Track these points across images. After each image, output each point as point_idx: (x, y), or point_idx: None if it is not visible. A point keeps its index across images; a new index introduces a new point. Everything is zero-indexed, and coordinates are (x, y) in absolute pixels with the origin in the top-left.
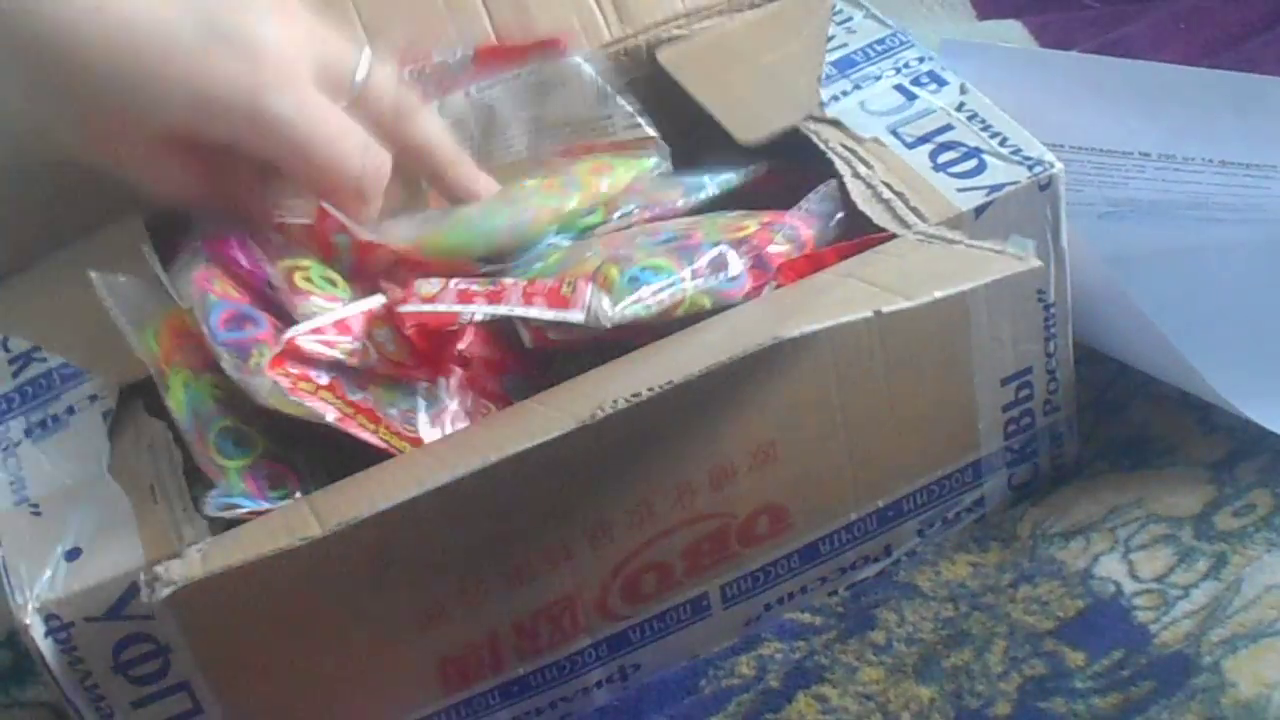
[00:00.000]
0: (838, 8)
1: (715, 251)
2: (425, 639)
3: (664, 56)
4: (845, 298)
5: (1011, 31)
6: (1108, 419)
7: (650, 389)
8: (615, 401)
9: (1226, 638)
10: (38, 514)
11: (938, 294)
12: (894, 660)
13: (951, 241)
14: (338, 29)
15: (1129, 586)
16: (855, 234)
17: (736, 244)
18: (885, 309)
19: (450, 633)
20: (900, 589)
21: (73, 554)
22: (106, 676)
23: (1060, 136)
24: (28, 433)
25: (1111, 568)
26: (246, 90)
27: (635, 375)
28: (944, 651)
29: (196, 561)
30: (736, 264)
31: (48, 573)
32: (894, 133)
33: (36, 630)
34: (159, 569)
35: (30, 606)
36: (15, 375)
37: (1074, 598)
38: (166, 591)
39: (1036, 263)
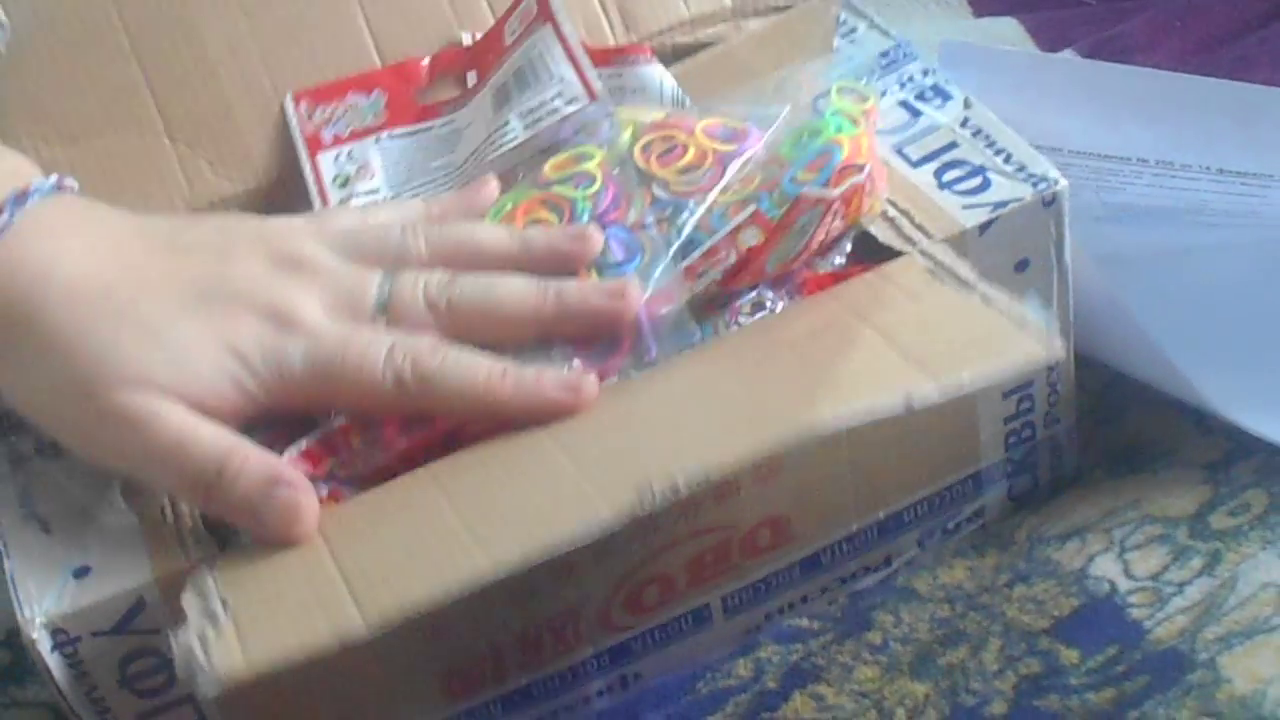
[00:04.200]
0: (841, 18)
1: (753, 295)
2: (429, 651)
3: (673, 75)
4: (871, 371)
5: (1007, 29)
6: (1105, 427)
7: (688, 485)
8: (654, 493)
9: (1222, 635)
10: (47, 531)
11: (965, 386)
12: (890, 659)
13: (965, 284)
14: (360, 258)
15: (1123, 585)
16: (860, 249)
17: (776, 284)
18: (916, 402)
19: (454, 645)
20: (898, 592)
21: (81, 572)
22: (113, 690)
23: (1058, 140)
24: (39, 450)
25: (1106, 567)
26: (255, 345)
27: (664, 441)
28: (940, 650)
29: (233, 640)
30: (777, 306)
31: (55, 588)
32: (899, 152)
33: (43, 644)
34: (193, 641)
35: (37, 621)
36: None
37: (1069, 596)
38: (214, 692)
39: (1062, 354)
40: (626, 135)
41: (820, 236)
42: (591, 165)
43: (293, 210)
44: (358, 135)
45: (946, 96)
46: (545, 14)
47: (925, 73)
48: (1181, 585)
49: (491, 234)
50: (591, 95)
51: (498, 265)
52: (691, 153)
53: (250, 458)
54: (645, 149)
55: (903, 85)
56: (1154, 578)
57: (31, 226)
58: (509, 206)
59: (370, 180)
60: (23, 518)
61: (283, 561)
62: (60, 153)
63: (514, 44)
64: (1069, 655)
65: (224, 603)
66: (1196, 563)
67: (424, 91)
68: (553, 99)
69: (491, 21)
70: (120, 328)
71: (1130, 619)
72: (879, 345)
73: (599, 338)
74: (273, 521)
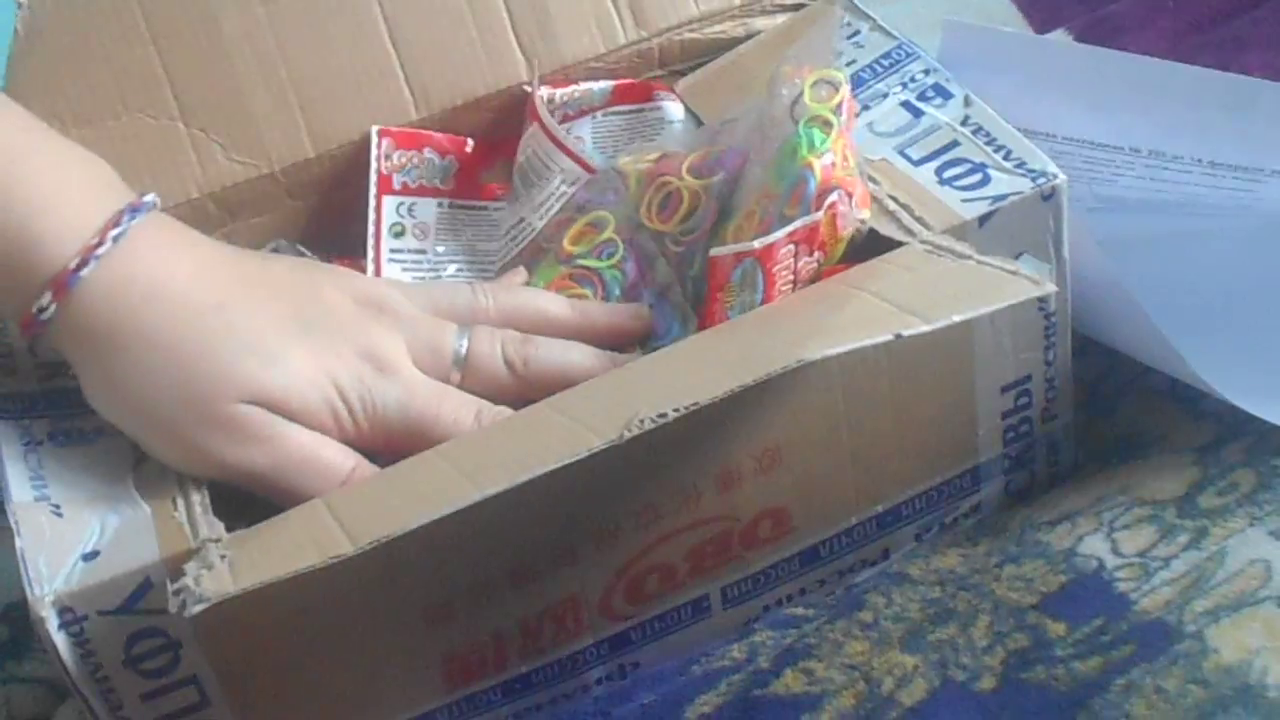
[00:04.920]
0: (845, 20)
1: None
2: (431, 637)
3: (681, 88)
4: (862, 316)
5: (999, 7)
6: (1098, 419)
7: (676, 409)
8: (641, 421)
9: (1210, 608)
10: (59, 515)
11: (955, 318)
12: (880, 634)
13: (961, 255)
14: (433, 311)
15: (1111, 561)
16: (863, 245)
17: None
18: (906, 333)
19: (456, 631)
20: (890, 577)
21: (90, 556)
22: (117, 669)
23: (1053, 126)
24: (51, 436)
25: (1095, 546)
26: (354, 383)
27: (656, 388)
28: (930, 627)
29: (225, 574)
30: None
31: (65, 570)
32: (901, 153)
33: (51, 622)
34: (188, 580)
35: (46, 599)
36: (41, 381)
37: (1057, 574)
38: (199, 607)
39: (1052, 288)
40: (633, 187)
41: (784, 276)
42: (610, 232)
43: (310, 198)
44: (425, 192)
45: (947, 95)
46: (533, 114)
47: (927, 71)
48: (1168, 559)
49: (555, 301)
50: (590, 171)
51: (560, 332)
52: (686, 198)
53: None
54: (649, 208)
55: (905, 86)
56: (1141, 554)
57: (142, 239)
58: (539, 285)
59: (422, 240)
60: (35, 500)
61: (282, 524)
62: (76, 134)
63: (520, 159)
64: (1056, 628)
65: (222, 557)
66: (1183, 538)
67: (484, 173)
68: (557, 185)
69: (509, 28)
70: (237, 343)
71: (1117, 592)
72: (872, 301)
73: None
74: None
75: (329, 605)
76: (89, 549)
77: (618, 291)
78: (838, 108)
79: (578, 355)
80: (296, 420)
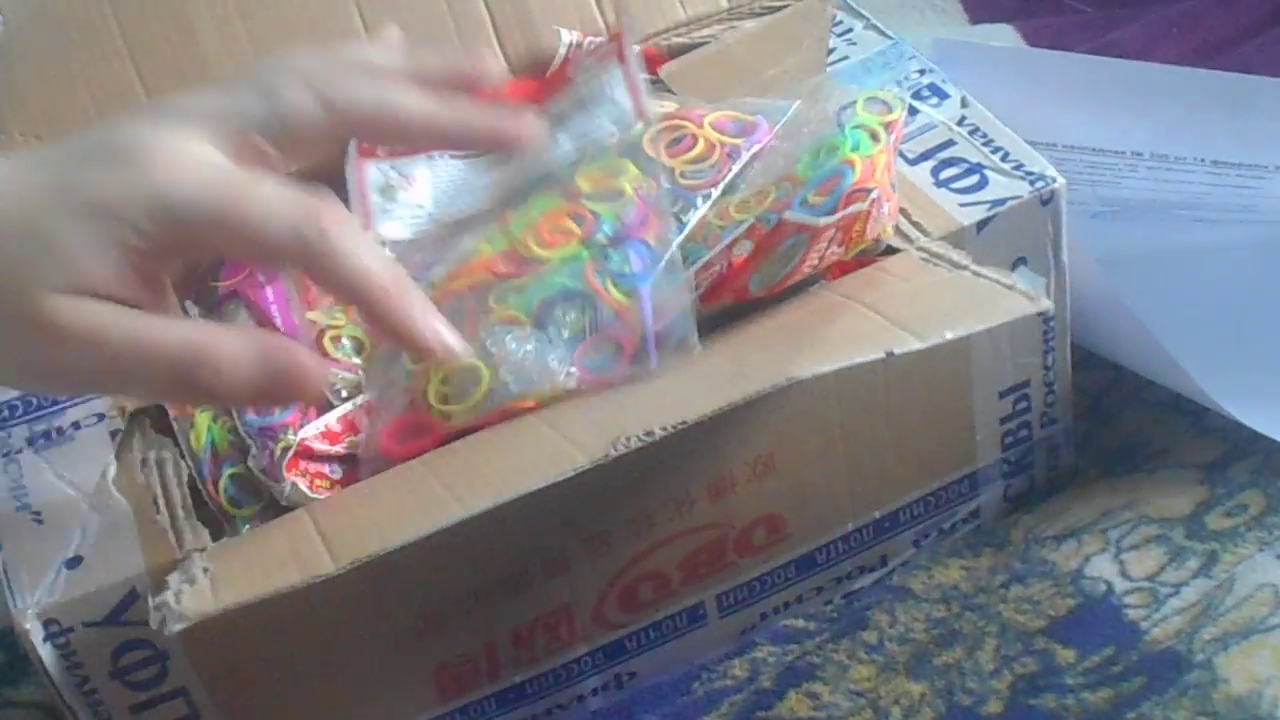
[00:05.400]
0: (837, 18)
1: None
2: (422, 648)
3: (666, 72)
4: (855, 331)
5: (1003, 36)
6: (1102, 428)
7: (664, 428)
8: (629, 439)
9: (1218, 635)
10: (39, 522)
11: (948, 335)
12: (885, 659)
13: (958, 265)
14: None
15: (1120, 585)
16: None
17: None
18: (897, 350)
19: (448, 642)
20: (893, 592)
21: (74, 562)
22: (105, 681)
23: (1053, 136)
24: (30, 441)
25: (1103, 568)
26: (143, 189)
27: (645, 404)
28: (935, 650)
29: (206, 590)
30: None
31: (48, 579)
32: (897, 151)
33: (36, 635)
34: (168, 596)
35: (30, 611)
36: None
37: (1065, 597)
38: (179, 627)
39: (1048, 304)
40: (641, 127)
41: (812, 261)
42: (624, 181)
43: None
44: (410, 150)
45: (943, 95)
46: (620, 54)
47: (922, 71)
48: (1178, 586)
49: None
50: (643, 117)
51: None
52: (700, 145)
53: (224, 341)
54: (654, 139)
55: (899, 84)
56: (1151, 578)
57: None
58: (534, 213)
59: (414, 192)
60: (15, 510)
61: (267, 536)
62: None
63: (581, 77)
64: (1065, 655)
65: (205, 570)
66: (1193, 564)
67: None
68: (604, 121)
69: (491, 30)
70: (14, 234)
71: (1127, 620)
72: (866, 314)
73: (600, 350)
74: (284, 394)
75: (316, 618)
76: (71, 554)
77: (607, 230)
78: (888, 125)
79: (402, 91)
80: (89, 287)
